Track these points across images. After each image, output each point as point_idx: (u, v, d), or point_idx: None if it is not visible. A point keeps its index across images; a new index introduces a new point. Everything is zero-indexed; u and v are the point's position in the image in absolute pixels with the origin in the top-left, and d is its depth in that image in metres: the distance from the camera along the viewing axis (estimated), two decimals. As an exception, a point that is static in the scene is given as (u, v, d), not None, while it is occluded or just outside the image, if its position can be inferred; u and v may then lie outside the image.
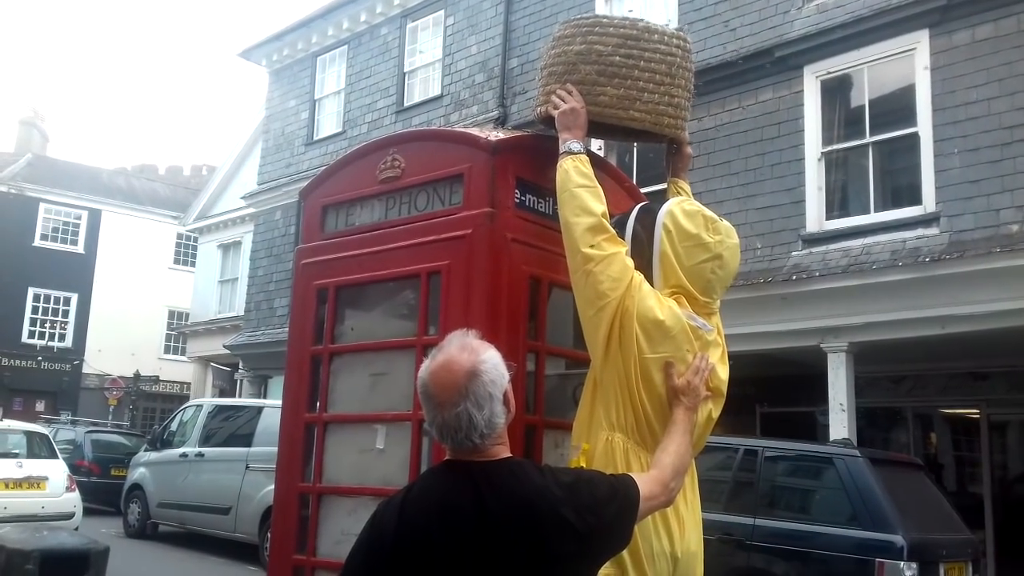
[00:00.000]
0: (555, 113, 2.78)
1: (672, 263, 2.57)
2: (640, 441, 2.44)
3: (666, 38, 2.92)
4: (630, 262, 2.52)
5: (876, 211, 9.91)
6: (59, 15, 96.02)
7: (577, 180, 2.59)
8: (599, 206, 2.56)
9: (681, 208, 2.64)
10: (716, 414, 2.62)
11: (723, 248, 2.62)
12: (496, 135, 3.01)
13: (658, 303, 2.47)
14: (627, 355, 2.44)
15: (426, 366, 1.87)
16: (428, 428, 1.88)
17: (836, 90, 10.50)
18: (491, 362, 1.84)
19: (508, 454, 1.88)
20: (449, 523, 1.76)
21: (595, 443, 2.46)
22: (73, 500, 11.34)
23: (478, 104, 14.46)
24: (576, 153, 2.66)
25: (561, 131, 2.74)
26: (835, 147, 10.36)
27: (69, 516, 10.99)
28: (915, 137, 9.61)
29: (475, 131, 3.16)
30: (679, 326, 2.47)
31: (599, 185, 2.63)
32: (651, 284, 2.54)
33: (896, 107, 10.00)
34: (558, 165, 2.67)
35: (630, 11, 11.93)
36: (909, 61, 9.78)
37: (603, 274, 2.47)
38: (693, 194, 3.20)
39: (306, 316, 3.33)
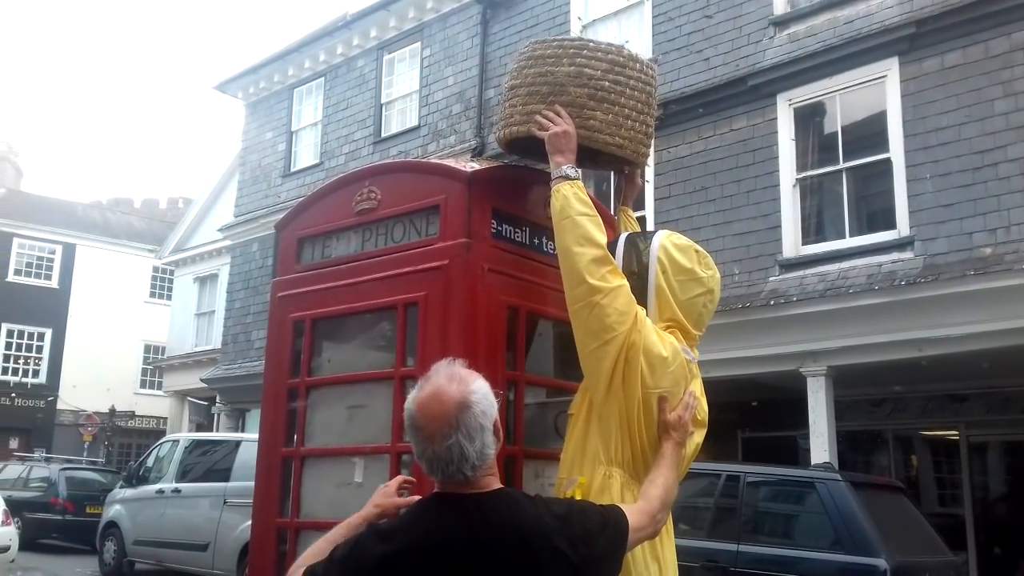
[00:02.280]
0: (543, 135, 2.70)
1: (667, 297, 2.57)
2: (634, 475, 2.42)
3: (644, 67, 2.94)
4: (632, 296, 2.48)
5: (851, 236, 10.00)
6: (33, 49, 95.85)
7: (578, 208, 2.51)
8: (602, 236, 2.50)
9: (671, 241, 2.63)
10: (700, 443, 2.61)
11: (714, 283, 2.65)
12: (472, 166, 3.01)
13: (659, 338, 2.46)
14: (630, 389, 2.41)
15: (413, 397, 1.83)
16: (417, 460, 1.83)
17: (809, 117, 10.64)
18: (481, 392, 1.81)
19: (499, 485, 1.85)
20: (441, 558, 1.72)
21: (592, 477, 2.43)
22: (9, 534, 11.21)
23: (455, 134, 14.52)
24: (574, 178, 2.58)
25: (553, 154, 2.66)
26: (809, 173, 10.48)
27: (4, 550, 10.86)
28: (888, 163, 9.73)
29: (451, 162, 3.16)
30: (678, 361, 2.47)
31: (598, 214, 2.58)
32: None
33: (868, 133, 10.14)
34: (554, 190, 2.58)
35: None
36: (880, 88, 9.93)
37: (610, 307, 2.41)
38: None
39: (282, 349, 3.30)
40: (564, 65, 2.81)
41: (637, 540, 2.11)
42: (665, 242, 2.62)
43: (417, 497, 2.01)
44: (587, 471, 2.44)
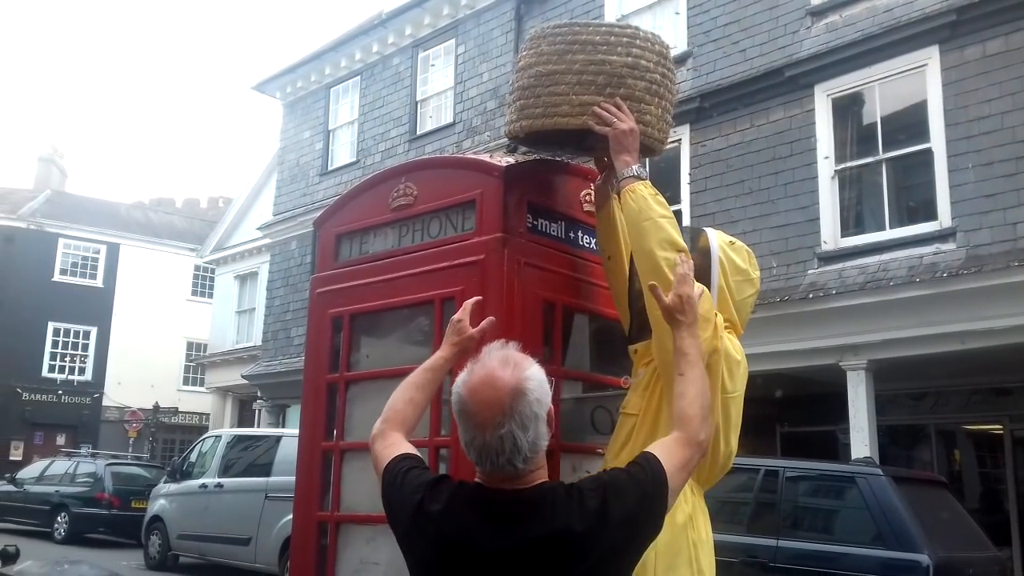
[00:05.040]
0: (605, 131, 2.55)
1: (726, 297, 2.55)
2: (698, 479, 2.41)
3: (671, 59, 2.92)
4: (712, 301, 2.45)
5: (892, 227, 9.87)
6: (76, 53, 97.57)
7: (659, 210, 2.44)
8: (681, 239, 2.45)
9: (724, 241, 2.61)
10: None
11: (760, 284, 2.65)
12: (507, 161, 3.02)
13: (731, 342, 2.46)
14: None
15: (463, 381, 1.72)
16: (464, 448, 1.74)
17: (848, 108, 10.50)
18: (536, 379, 1.71)
19: (545, 479, 1.75)
20: (473, 558, 1.68)
21: None
22: None
23: (490, 131, 14.54)
24: (645, 178, 2.49)
25: (620, 153, 2.52)
26: (848, 164, 10.35)
27: None
28: (928, 153, 9.58)
29: (486, 157, 3.17)
30: (744, 363, 2.47)
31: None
32: None
33: (909, 123, 9.99)
34: (628, 188, 2.48)
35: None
36: (920, 77, 9.78)
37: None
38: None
39: (321, 344, 3.34)
40: (619, 54, 2.62)
41: (687, 476, 1.93)
42: (720, 242, 2.60)
43: (493, 318, 2.07)
44: None
